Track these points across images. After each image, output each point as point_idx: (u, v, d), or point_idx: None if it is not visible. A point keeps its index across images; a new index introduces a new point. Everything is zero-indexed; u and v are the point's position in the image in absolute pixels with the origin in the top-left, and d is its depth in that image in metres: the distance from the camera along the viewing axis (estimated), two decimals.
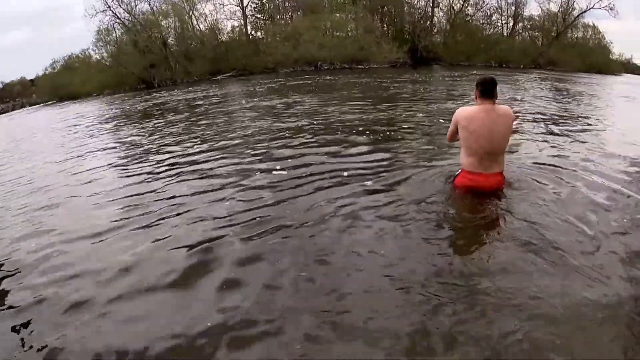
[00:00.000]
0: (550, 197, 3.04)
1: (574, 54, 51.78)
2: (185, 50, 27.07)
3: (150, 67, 26.69)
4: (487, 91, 2.97)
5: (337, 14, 34.01)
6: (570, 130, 6.04)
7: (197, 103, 12.17)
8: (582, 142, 5.10)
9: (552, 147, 4.76)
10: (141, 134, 8.00)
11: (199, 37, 28.56)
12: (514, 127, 3.09)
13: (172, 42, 27.67)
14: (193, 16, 29.26)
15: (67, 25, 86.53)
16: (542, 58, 46.20)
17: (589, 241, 2.46)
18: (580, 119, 7.58)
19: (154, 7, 28.32)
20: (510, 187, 3.16)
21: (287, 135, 5.96)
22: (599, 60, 58.62)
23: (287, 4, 34.96)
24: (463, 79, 17.07)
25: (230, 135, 6.39)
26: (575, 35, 57.82)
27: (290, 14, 35.57)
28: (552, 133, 5.71)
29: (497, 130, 2.87)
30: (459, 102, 8.89)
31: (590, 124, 6.80)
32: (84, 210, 3.75)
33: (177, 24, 27.55)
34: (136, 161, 5.53)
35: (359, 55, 29.01)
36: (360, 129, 6.07)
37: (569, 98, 12.50)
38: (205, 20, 30.16)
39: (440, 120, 6.44)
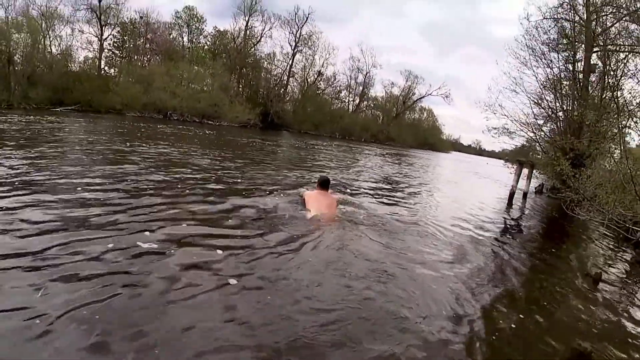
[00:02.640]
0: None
1: (410, 132, 63.56)
2: (31, 72, 25.07)
3: None
4: (323, 185, 5.69)
5: (196, 67, 35.65)
6: (399, 191, 9.38)
7: (37, 133, 10.59)
8: (401, 200, 8.27)
9: (377, 200, 7.53)
10: None
11: (48, 61, 26.75)
12: (339, 199, 5.99)
13: (18, 61, 25.44)
14: (48, 36, 27.62)
15: None
16: (382, 134, 55.29)
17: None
18: (408, 183, 11.85)
19: (9, 17, 25.91)
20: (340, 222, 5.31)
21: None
22: (431, 139, 72.89)
23: (147, 45, 35.51)
24: (309, 149, 19.78)
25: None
26: (413, 117, 71.38)
27: (148, 56, 36.01)
28: (384, 193, 8.81)
29: (325, 203, 5.44)
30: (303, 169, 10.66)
31: (413, 187, 10.94)
32: None
33: (29, 41, 25.46)
34: None
35: (210, 111, 30.44)
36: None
37: (402, 167, 17.69)
38: (59, 44, 28.76)
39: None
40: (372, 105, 60.23)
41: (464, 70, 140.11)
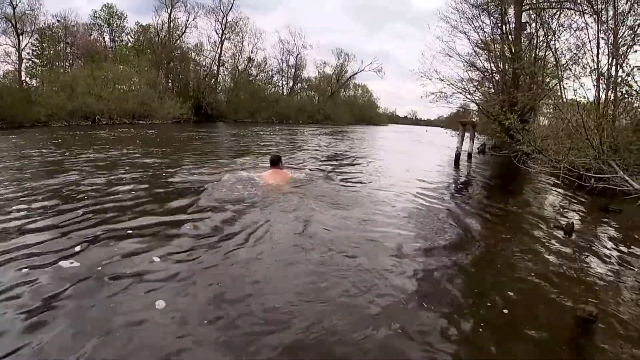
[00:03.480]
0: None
1: (347, 109, 65.62)
2: None
3: None
4: (274, 163, 6.71)
5: (121, 66, 34.75)
6: (347, 164, 10.36)
7: None
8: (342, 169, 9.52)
9: (328, 173, 8.42)
10: None
11: None
12: (289, 176, 6.87)
13: None
14: None
15: None
16: (319, 114, 56.76)
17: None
18: (355, 156, 13.08)
19: None
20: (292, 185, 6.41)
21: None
22: (368, 114, 75.65)
23: (68, 50, 34.21)
24: (248, 136, 20.35)
25: None
26: (348, 94, 73.58)
27: (70, 61, 34.72)
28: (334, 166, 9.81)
29: (279, 178, 6.49)
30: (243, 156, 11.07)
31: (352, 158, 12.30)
32: None
33: None
34: None
35: (140, 110, 30.08)
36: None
37: (346, 142, 19.63)
38: None
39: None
40: (306, 86, 61.42)
41: (392, 45, 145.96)
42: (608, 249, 4.56)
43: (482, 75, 19.25)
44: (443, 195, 7.13)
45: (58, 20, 33.61)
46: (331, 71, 63.30)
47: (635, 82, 8.75)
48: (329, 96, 61.96)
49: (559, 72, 12.78)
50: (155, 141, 15.13)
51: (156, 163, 8.84)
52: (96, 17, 39.05)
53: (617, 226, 5.92)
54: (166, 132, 20.38)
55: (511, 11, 17.67)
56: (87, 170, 7.39)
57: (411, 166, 11.74)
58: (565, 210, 6.98)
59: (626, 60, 10.29)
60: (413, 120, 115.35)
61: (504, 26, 18.10)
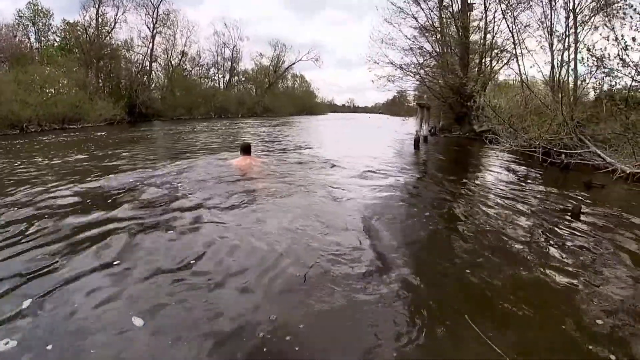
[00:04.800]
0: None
1: (286, 100, 66.92)
2: None
3: None
4: (246, 150, 7.60)
5: (48, 68, 33.68)
6: (307, 154, 10.59)
7: None
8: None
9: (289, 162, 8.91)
10: None
11: None
12: (261, 162, 7.90)
13: None
14: None
15: None
16: (258, 106, 57.59)
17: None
18: (289, 141, 14.55)
19: None
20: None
21: None
22: (308, 103, 77.28)
23: None
24: (183, 135, 20.35)
25: None
26: (286, 85, 74.98)
27: None
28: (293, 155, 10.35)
29: (252, 164, 7.35)
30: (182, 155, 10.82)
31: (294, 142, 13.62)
32: None
33: None
34: None
35: (71, 113, 29.59)
36: None
37: (295, 133, 20.53)
38: None
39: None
40: (243, 79, 62.45)
41: (327, 33, 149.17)
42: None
43: (430, 57, 20.45)
44: (413, 176, 7.46)
45: None
46: (268, 62, 64.80)
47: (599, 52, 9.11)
48: (267, 88, 63.10)
49: (518, 48, 13.08)
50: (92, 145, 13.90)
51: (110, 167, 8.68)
52: (21, 16, 37.77)
53: (614, 202, 5.90)
54: (101, 135, 20.00)
55: None
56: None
57: (372, 151, 11.99)
58: (552, 189, 6.77)
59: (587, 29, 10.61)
60: (351, 108, 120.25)
61: (452, 7, 19.39)
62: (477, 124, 18.42)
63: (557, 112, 9.89)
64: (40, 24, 38.89)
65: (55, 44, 39.74)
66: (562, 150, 9.62)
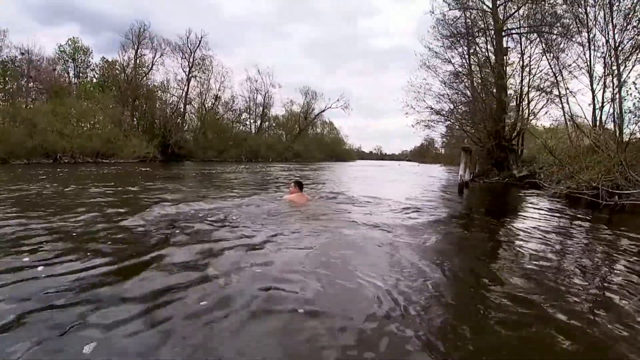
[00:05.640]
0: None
1: (315, 146, 66.96)
2: None
3: None
4: (299, 186, 7.83)
5: (85, 102, 34.27)
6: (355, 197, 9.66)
7: None
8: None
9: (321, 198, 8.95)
10: None
11: None
12: (309, 198, 8.05)
13: None
14: None
15: None
16: (288, 152, 57.77)
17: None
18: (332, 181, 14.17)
19: None
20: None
21: None
22: (337, 150, 77.51)
23: (31, 85, 33.41)
24: (224, 174, 19.74)
25: None
26: (316, 131, 75.40)
27: (33, 96, 33.80)
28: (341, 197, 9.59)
29: (304, 200, 7.54)
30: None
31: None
32: None
33: None
34: None
35: (105, 148, 29.65)
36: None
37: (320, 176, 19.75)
38: None
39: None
40: (274, 124, 62.73)
41: (353, 82, 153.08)
42: None
43: (467, 102, 20.08)
44: (463, 224, 6.84)
45: (22, 53, 33.13)
46: (298, 109, 65.34)
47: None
48: (297, 134, 63.22)
49: (562, 88, 13.61)
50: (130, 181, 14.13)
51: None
52: (61, 51, 38.87)
53: None
54: (134, 172, 19.77)
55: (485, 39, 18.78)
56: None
57: (416, 193, 11.84)
58: (616, 230, 6.25)
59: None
60: (378, 155, 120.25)
61: (487, 51, 19.08)
62: (517, 169, 17.60)
63: (611, 151, 9.62)
64: (80, 60, 39.92)
65: (94, 81, 40.53)
66: (616, 191, 8.98)
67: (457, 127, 21.10)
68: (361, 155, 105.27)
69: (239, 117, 55.02)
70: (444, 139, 31.54)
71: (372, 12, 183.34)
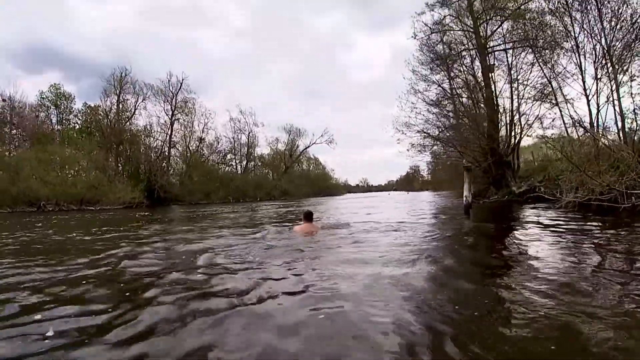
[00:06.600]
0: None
1: (303, 183, 66.77)
2: None
3: None
4: (308, 217, 7.95)
5: (68, 149, 34.10)
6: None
7: None
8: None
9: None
10: None
11: None
12: (320, 226, 8.33)
13: None
14: None
15: None
16: (276, 190, 57.40)
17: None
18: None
19: None
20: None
21: None
22: (323, 185, 77.36)
23: (14, 132, 33.32)
24: (218, 214, 19.23)
25: None
26: (301, 168, 75.67)
27: (16, 144, 33.70)
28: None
29: (314, 230, 7.70)
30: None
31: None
32: None
33: None
34: None
35: (89, 194, 29.19)
36: None
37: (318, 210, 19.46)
38: None
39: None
40: (259, 163, 62.85)
41: (335, 116, 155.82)
42: None
43: (458, 122, 20.48)
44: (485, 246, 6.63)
45: (3, 100, 33.07)
46: (283, 147, 66.05)
47: None
48: (284, 172, 63.35)
49: (559, 96, 14.33)
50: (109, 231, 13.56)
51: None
52: (43, 97, 38.87)
53: None
54: (120, 219, 19.51)
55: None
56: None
57: (422, 218, 11.82)
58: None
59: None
60: (365, 188, 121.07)
61: (474, 71, 19.60)
62: (516, 185, 17.58)
63: (627, 152, 9.84)
64: (62, 106, 39.91)
65: (77, 127, 40.43)
66: (634, 192, 9.16)
67: (451, 148, 21.23)
68: (348, 189, 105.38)
69: (224, 158, 55.02)
70: (429, 166, 31.82)
71: (350, 46, 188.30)
